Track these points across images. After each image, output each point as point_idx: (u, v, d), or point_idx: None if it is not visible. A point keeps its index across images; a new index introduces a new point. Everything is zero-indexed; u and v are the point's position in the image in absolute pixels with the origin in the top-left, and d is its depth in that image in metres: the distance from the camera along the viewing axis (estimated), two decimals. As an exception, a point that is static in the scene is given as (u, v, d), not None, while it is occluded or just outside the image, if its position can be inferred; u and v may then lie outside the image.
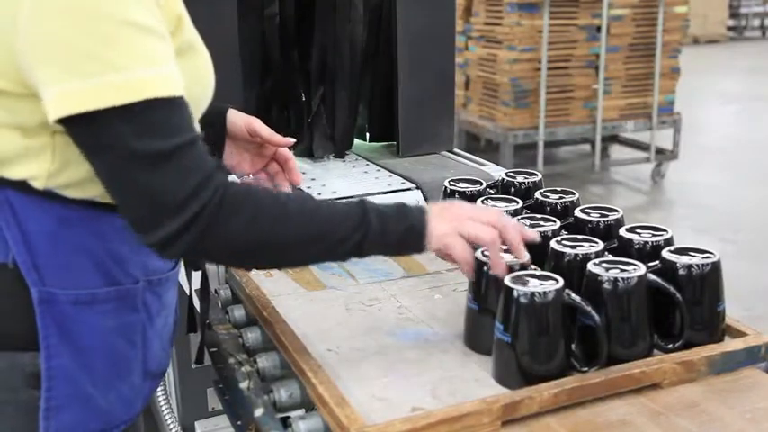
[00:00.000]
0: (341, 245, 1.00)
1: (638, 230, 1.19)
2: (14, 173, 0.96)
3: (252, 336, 1.24)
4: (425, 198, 1.69)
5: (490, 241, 1.04)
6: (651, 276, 1.05)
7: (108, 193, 0.94)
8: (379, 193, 1.70)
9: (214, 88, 1.10)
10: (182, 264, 1.25)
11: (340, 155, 2.02)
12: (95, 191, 0.98)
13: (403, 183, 1.76)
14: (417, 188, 1.73)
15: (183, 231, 0.91)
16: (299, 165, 1.95)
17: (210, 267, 1.45)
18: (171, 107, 0.91)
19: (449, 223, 1.04)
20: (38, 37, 0.86)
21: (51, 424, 1.00)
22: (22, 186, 0.96)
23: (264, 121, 1.31)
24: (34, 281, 0.98)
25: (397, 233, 1.02)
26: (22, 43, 0.86)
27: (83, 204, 0.99)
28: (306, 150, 2.00)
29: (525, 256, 1.07)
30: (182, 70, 0.97)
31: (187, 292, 1.39)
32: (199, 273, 1.33)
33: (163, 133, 0.90)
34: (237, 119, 1.30)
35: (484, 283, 1.10)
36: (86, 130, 0.89)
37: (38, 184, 0.96)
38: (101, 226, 1.01)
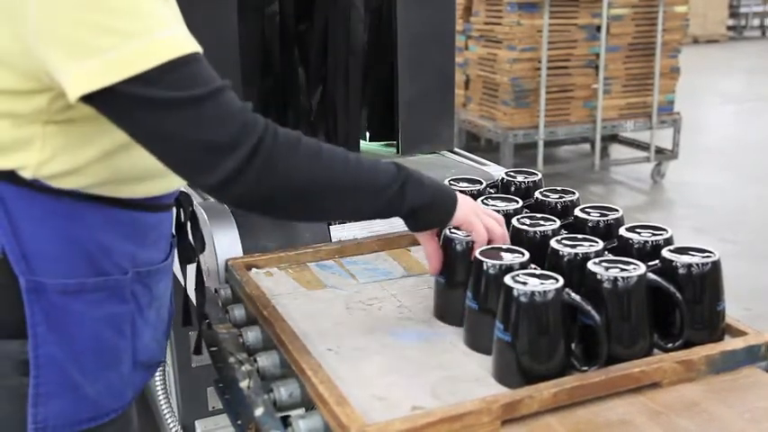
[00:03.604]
0: (383, 191, 1.04)
1: (637, 230, 1.19)
2: (4, 162, 0.96)
3: (252, 335, 1.24)
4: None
5: (501, 237, 1.15)
6: (651, 276, 1.05)
7: (152, 154, 0.93)
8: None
9: None
10: (176, 257, 1.25)
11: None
12: (83, 181, 0.99)
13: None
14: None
15: (242, 168, 0.90)
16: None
17: (210, 266, 1.45)
18: (193, 63, 0.91)
19: (469, 207, 1.14)
20: (46, 20, 0.86)
21: (39, 411, 1.01)
22: (11, 176, 0.97)
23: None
24: (23, 270, 0.98)
25: (432, 187, 1.09)
26: (31, 29, 0.86)
27: (70, 195, 0.99)
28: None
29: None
30: None
31: (183, 285, 1.39)
32: (193, 266, 1.34)
33: (193, 84, 0.90)
34: None
35: (484, 283, 1.10)
36: (114, 101, 0.89)
37: (27, 174, 0.97)
38: (88, 217, 1.01)
